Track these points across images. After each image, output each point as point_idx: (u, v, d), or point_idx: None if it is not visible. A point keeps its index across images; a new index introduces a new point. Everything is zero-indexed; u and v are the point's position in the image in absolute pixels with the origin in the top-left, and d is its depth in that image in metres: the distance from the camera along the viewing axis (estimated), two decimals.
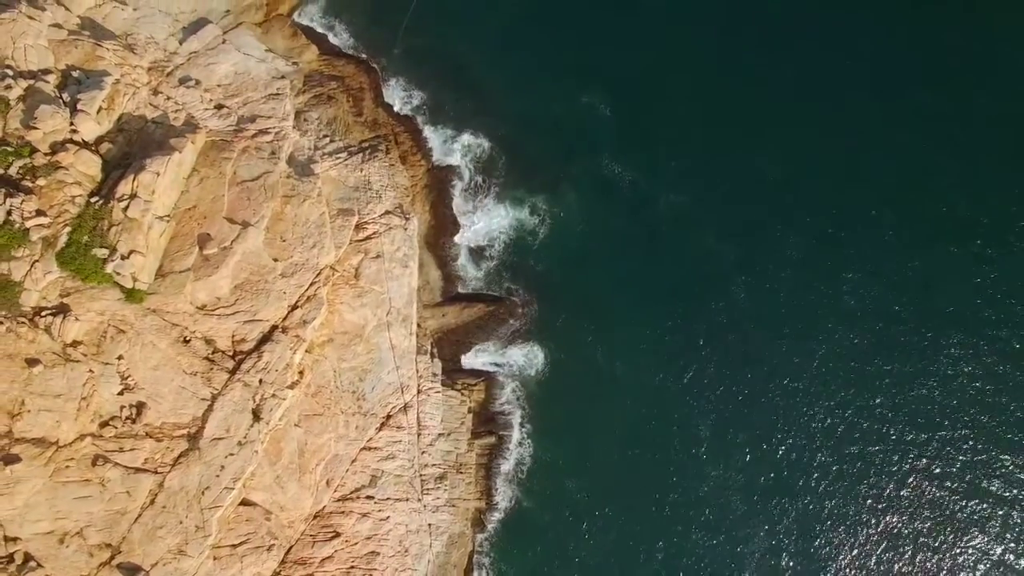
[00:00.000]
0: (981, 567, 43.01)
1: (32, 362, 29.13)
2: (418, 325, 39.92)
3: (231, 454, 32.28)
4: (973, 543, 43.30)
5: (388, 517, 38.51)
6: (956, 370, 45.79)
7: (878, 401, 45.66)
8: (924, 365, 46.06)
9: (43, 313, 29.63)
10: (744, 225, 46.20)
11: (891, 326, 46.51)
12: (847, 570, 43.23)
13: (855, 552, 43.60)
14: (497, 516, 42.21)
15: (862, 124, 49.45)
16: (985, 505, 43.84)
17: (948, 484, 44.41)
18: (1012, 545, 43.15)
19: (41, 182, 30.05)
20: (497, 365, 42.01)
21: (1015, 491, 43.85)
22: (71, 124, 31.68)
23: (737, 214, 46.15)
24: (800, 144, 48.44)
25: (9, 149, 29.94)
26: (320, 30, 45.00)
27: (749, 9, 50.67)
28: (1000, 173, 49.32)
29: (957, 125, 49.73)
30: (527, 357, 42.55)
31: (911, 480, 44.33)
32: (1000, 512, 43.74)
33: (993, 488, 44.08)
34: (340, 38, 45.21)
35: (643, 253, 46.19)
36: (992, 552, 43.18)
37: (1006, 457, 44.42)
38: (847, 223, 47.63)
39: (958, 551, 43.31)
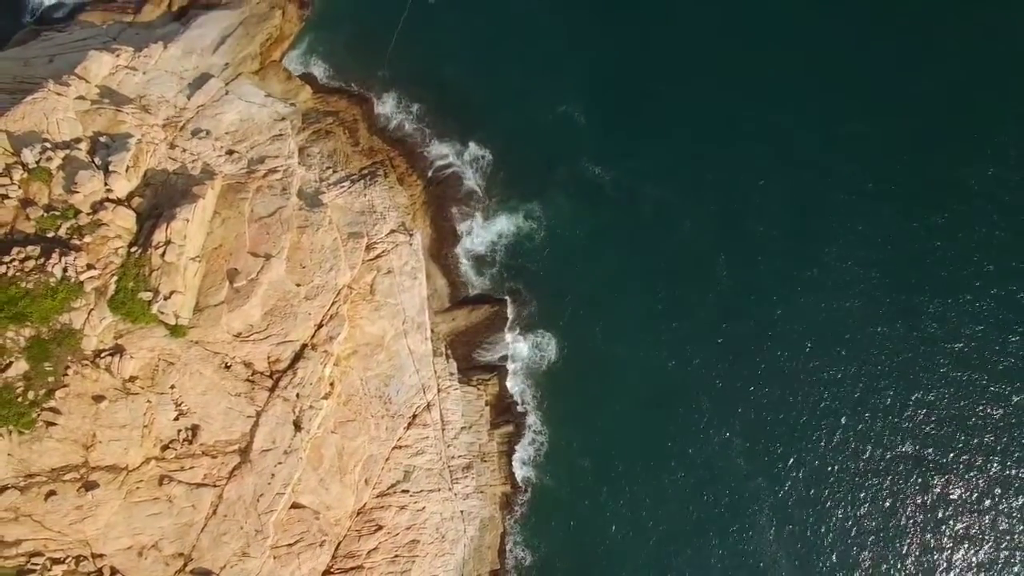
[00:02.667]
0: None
1: (98, 398, 32.85)
2: (432, 330, 43.63)
3: (279, 463, 36.02)
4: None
5: (424, 508, 42.23)
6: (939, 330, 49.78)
7: (866, 362, 49.48)
8: (908, 328, 49.96)
9: (102, 354, 33.35)
10: (719, 209, 49.96)
11: (875, 291, 50.49)
12: (848, 522, 47.17)
13: (853, 506, 47.58)
14: (522, 497, 45.97)
15: (827, 111, 53.24)
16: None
17: (939, 433, 48.53)
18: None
19: (87, 239, 33.76)
20: (507, 359, 45.81)
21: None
22: (106, 184, 35.39)
23: (711, 199, 49.98)
24: (771, 126, 52.14)
25: (57, 213, 33.65)
26: (311, 70, 48.73)
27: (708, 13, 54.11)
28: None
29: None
30: (534, 349, 46.36)
31: (907, 440, 48.37)
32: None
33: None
34: (330, 75, 48.86)
35: (631, 243, 49.84)
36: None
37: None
38: (812, 192, 51.59)
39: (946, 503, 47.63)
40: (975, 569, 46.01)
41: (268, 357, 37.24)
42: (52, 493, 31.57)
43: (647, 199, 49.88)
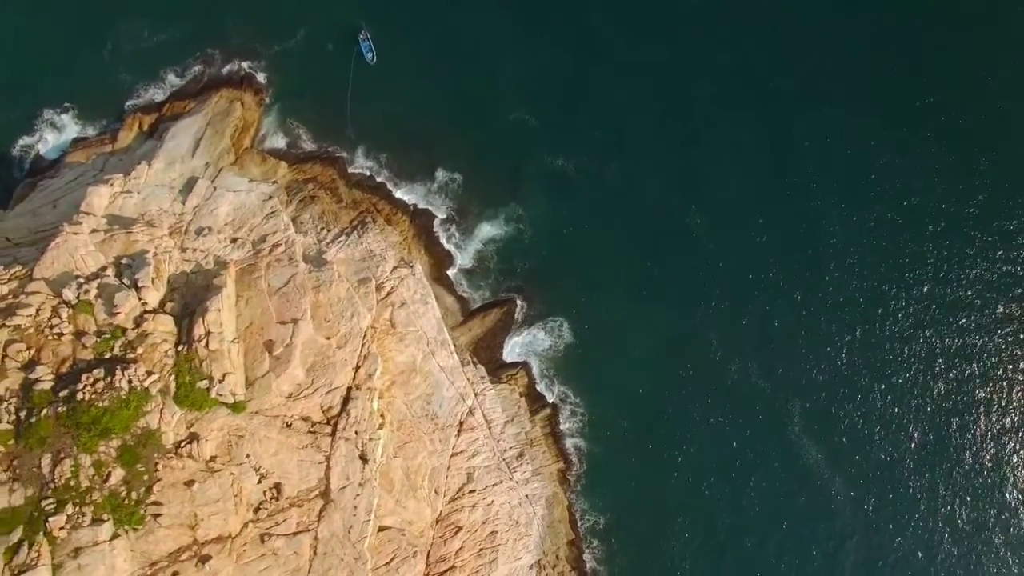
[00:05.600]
0: None
1: (189, 483, 36.99)
2: (454, 344, 47.91)
3: (357, 495, 40.22)
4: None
5: (492, 501, 46.51)
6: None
7: (852, 269, 54.10)
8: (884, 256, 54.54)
9: (182, 444, 37.48)
10: (678, 164, 54.45)
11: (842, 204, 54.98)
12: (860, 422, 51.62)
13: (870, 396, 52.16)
14: (577, 469, 50.30)
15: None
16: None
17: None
18: None
19: (140, 350, 37.92)
20: (527, 350, 50.14)
21: None
22: (140, 299, 39.60)
23: (666, 158, 54.39)
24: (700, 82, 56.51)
25: (107, 335, 37.81)
26: (281, 146, 52.87)
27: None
28: None
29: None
30: (549, 334, 50.77)
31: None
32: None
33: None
34: (300, 145, 52.95)
35: (609, 217, 54.32)
36: None
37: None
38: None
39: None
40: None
41: (321, 407, 41.45)
42: (176, 574, 35.76)
43: (611, 174, 54.27)
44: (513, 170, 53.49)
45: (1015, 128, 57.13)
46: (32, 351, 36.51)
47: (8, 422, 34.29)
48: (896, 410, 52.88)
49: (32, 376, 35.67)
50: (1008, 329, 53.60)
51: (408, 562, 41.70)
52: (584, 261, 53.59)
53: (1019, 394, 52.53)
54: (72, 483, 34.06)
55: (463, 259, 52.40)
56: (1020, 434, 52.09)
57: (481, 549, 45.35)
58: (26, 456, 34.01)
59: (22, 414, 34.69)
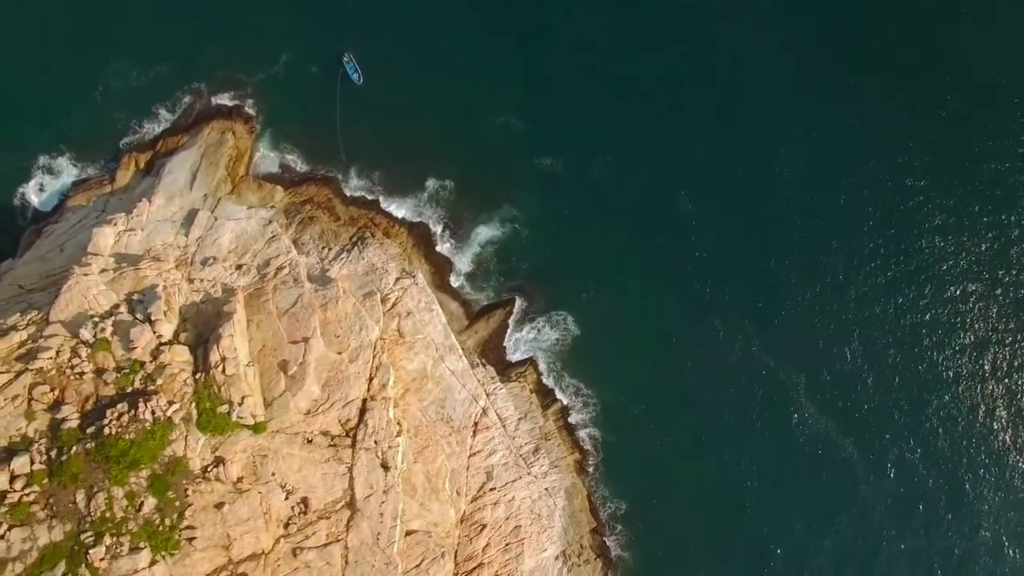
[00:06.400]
0: None
1: (219, 505, 38.17)
2: (462, 348, 49.08)
3: (382, 502, 41.40)
4: None
5: (513, 497, 47.71)
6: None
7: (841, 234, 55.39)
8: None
9: (208, 469, 38.67)
10: (662, 152, 55.69)
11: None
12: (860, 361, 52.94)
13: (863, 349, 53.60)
14: (593, 458, 51.47)
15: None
16: None
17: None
18: None
19: (160, 381, 39.12)
20: (533, 346, 51.31)
21: None
22: (154, 332, 40.80)
23: (650, 147, 55.64)
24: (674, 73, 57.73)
25: (127, 370, 39.01)
26: (276, 171, 53.94)
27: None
28: None
29: None
30: (554, 328, 51.91)
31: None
32: None
33: None
34: (294, 168, 54.00)
35: (601, 209, 55.63)
36: None
37: None
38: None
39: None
40: None
41: (339, 420, 42.63)
42: None
43: (598, 168, 55.47)
44: (504, 173, 54.64)
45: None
46: (56, 392, 37.72)
47: (41, 462, 35.51)
48: (900, 372, 54.31)
49: (59, 416, 36.91)
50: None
51: (437, 563, 42.87)
52: (582, 254, 54.78)
53: None
54: (107, 515, 35.29)
55: (463, 264, 53.55)
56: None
57: (507, 544, 46.55)
58: (61, 493, 35.22)
59: (53, 453, 35.91)
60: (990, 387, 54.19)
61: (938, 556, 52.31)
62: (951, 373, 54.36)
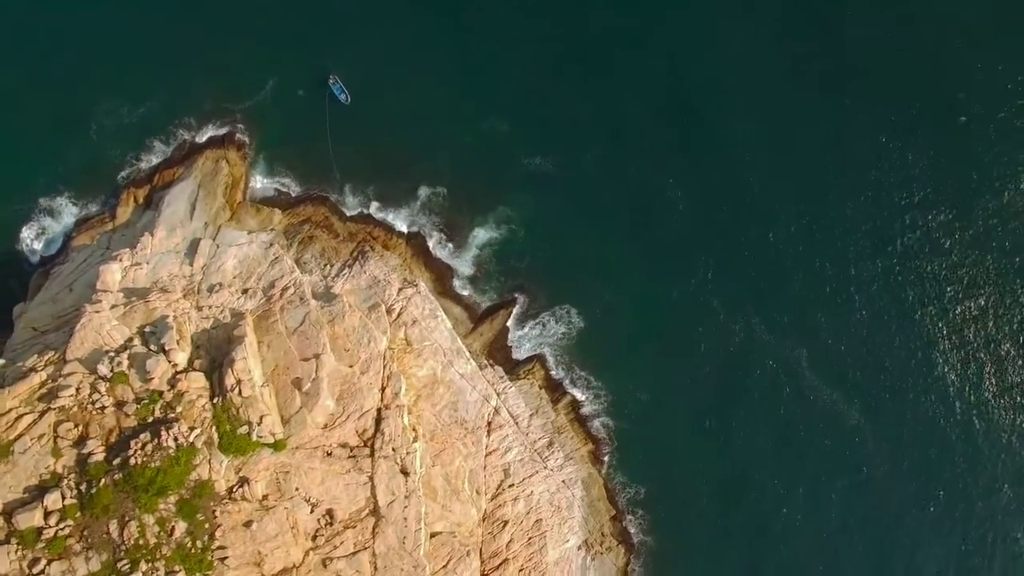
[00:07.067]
0: None
1: (247, 523, 39.25)
2: (468, 351, 50.13)
3: (405, 507, 42.51)
4: None
5: (532, 492, 48.75)
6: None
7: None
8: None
9: (234, 489, 39.77)
10: (649, 144, 56.63)
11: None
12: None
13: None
14: (607, 448, 52.48)
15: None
16: None
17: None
18: None
19: (179, 409, 40.21)
20: (539, 342, 52.36)
21: None
22: (170, 362, 41.89)
23: (637, 141, 56.65)
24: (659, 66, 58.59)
25: (146, 401, 40.11)
26: (272, 195, 54.92)
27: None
28: None
29: None
30: (560, 322, 53.07)
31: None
32: None
33: None
34: (290, 190, 54.88)
35: (595, 203, 56.47)
36: None
37: None
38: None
39: None
40: None
41: (356, 431, 43.70)
42: None
43: (589, 163, 56.40)
44: (495, 175, 55.51)
45: None
46: (80, 428, 38.86)
47: (72, 497, 36.66)
48: (901, 339, 55.40)
49: (85, 451, 38.04)
50: None
51: (464, 561, 43.95)
52: (580, 248, 55.62)
53: None
54: (141, 542, 36.46)
55: (463, 268, 54.48)
56: None
57: (529, 538, 47.62)
58: (94, 525, 36.36)
59: (83, 487, 37.08)
60: (1004, 349, 55.19)
61: (961, 520, 53.44)
62: (955, 338, 55.47)
